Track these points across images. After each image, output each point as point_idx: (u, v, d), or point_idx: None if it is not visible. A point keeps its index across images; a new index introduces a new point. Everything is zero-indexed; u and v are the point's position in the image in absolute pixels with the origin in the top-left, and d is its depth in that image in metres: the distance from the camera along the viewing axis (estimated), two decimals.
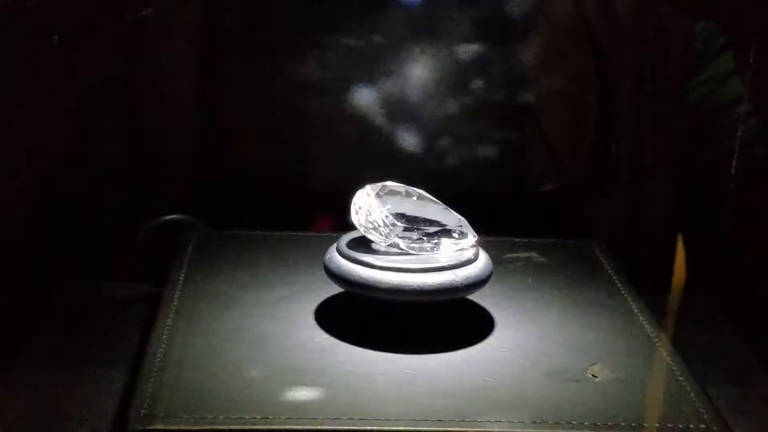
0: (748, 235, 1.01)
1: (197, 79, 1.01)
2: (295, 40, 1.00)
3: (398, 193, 0.79)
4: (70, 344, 0.88)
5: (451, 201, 0.81)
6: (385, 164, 1.01)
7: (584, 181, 1.04)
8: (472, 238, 0.79)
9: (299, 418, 0.67)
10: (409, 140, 1.02)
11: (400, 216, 0.78)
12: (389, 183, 0.80)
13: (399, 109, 1.01)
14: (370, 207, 0.79)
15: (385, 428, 0.66)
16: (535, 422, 0.68)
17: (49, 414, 0.77)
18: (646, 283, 0.91)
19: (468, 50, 1.01)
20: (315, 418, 0.67)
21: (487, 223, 0.95)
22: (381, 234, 0.78)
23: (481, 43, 1.00)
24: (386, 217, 0.78)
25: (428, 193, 0.80)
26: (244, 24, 1.01)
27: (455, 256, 0.78)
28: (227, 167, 1.02)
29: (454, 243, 0.79)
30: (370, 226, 0.79)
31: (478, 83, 1.01)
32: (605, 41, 1.01)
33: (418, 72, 1.01)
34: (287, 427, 0.66)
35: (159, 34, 0.99)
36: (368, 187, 0.80)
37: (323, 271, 0.79)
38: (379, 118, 1.01)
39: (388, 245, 0.78)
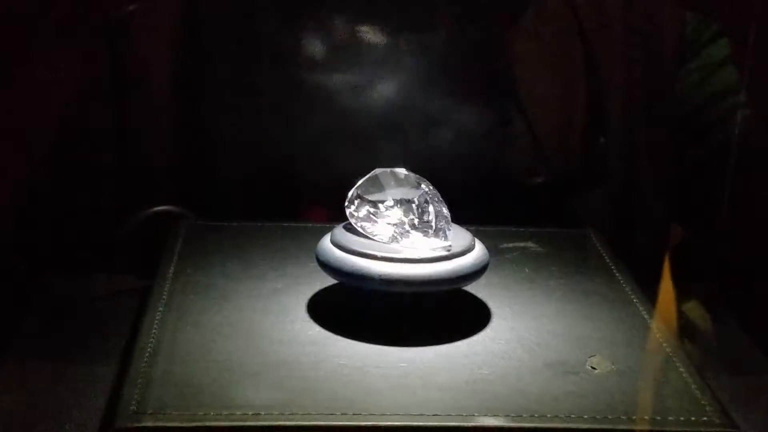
0: (746, 225, 1.00)
1: (184, 70, 0.99)
2: (281, 32, 0.99)
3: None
4: (59, 340, 0.86)
5: (441, 192, 0.80)
6: (377, 155, 0.99)
7: (574, 173, 1.03)
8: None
9: (291, 414, 0.65)
10: (398, 132, 1.00)
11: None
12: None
13: (388, 100, 1.00)
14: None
15: (380, 423, 0.65)
16: (533, 416, 0.66)
17: (36, 412, 0.76)
18: (637, 274, 0.90)
19: (455, 40, 0.99)
20: (308, 414, 0.65)
21: (478, 215, 0.94)
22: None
23: (469, 34, 0.99)
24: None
25: None
26: (228, 16, 0.99)
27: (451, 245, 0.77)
28: (217, 157, 1.01)
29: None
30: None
31: (465, 73, 1.00)
32: (594, 30, 1.00)
33: (406, 62, 0.99)
34: (279, 423, 0.65)
35: (143, 29, 0.98)
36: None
37: (316, 263, 0.78)
38: (369, 109, 0.99)
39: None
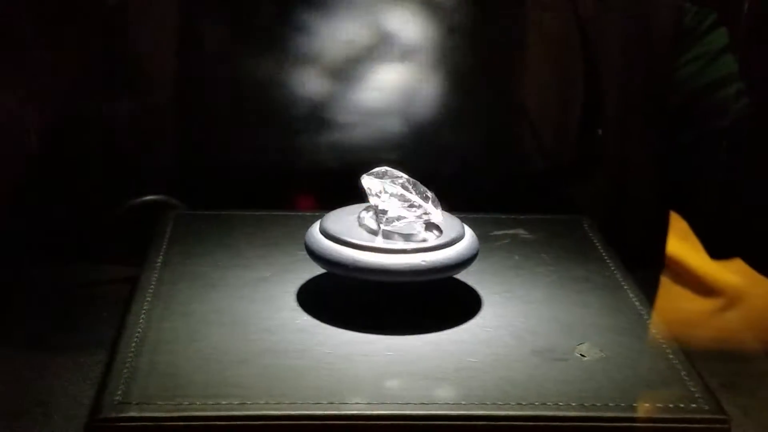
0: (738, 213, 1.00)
1: (176, 60, 0.99)
2: (274, 21, 0.98)
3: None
4: (48, 329, 0.86)
5: (438, 181, 0.80)
6: (371, 145, 0.99)
7: (571, 161, 1.02)
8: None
9: (277, 403, 0.65)
10: (394, 122, 1.00)
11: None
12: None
13: (383, 92, 0.99)
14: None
15: (365, 412, 0.65)
16: (521, 403, 0.66)
17: (24, 401, 0.76)
18: (631, 263, 0.89)
19: (452, 28, 0.98)
20: (293, 402, 0.65)
21: (473, 204, 0.93)
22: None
23: (466, 21, 0.98)
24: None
25: (416, 174, 0.78)
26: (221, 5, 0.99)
27: (441, 234, 0.76)
28: (207, 147, 1.00)
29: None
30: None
31: (463, 65, 0.99)
32: (592, 18, 0.99)
33: (403, 54, 0.99)
34: (264, 411, 0.64)
35: (137, 16, 0.97)
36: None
37: (305, 252, 0.77)
38: (363, 99, 0.99)
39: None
